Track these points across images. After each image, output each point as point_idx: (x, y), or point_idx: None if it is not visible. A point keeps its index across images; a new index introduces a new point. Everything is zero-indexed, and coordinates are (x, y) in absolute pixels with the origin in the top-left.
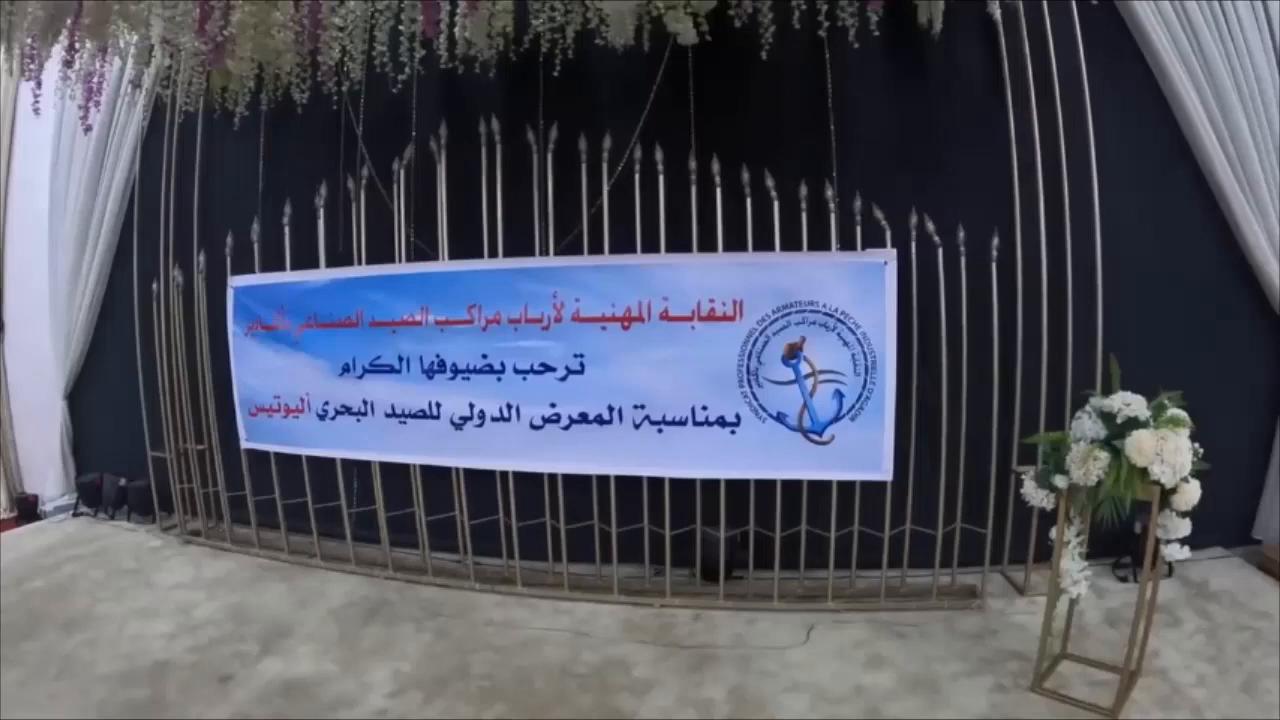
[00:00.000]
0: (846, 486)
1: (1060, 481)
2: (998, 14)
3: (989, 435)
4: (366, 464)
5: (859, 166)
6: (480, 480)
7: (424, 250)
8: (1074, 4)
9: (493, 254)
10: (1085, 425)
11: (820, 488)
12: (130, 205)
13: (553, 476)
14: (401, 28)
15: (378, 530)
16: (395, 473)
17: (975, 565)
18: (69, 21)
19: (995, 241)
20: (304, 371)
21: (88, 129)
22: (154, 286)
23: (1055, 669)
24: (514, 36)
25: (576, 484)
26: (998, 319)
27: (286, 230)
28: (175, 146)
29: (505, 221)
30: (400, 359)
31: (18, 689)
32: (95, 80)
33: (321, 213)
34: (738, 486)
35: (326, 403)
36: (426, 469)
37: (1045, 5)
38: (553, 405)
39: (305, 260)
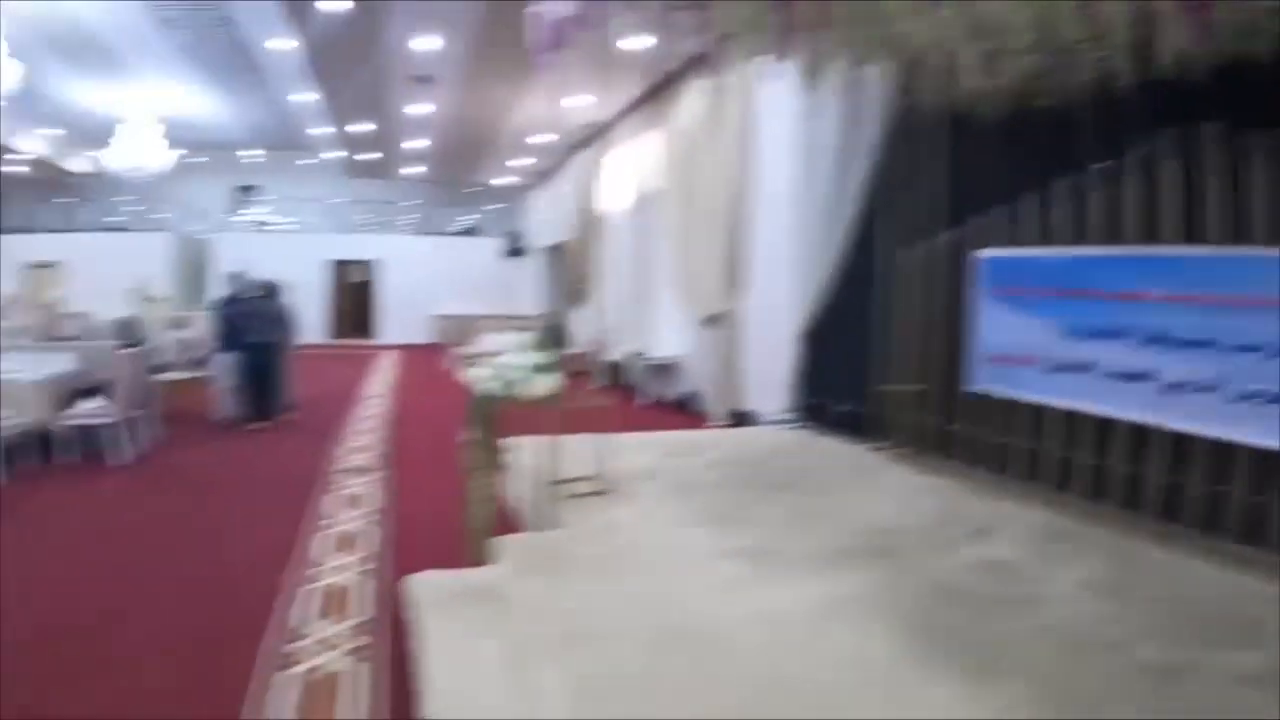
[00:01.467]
0: None
1: None
2: None
3: None
4: (1069, 414)
5: None
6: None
7: (1153, 235)
8: None
9: (1215, 242)
10: None
11: None
12: (872, 187)
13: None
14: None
15: (1072, 473)
16: (1098, 427)
17: None
18: (822, 32)
19: None
20: (1035, 330)
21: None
22: (897, 257)
23: None
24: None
25: None
26: None
27: (1045, 210)
28: (918, 141)
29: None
30: (1123, 327)
31: (785, 524)
32: (844, 84)
33: (1063, 199)
34: None
35: (1052, 358)
36: (1130, 427)
37: None
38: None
39: (1041, 238)
